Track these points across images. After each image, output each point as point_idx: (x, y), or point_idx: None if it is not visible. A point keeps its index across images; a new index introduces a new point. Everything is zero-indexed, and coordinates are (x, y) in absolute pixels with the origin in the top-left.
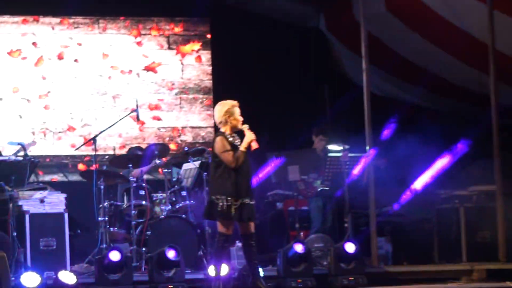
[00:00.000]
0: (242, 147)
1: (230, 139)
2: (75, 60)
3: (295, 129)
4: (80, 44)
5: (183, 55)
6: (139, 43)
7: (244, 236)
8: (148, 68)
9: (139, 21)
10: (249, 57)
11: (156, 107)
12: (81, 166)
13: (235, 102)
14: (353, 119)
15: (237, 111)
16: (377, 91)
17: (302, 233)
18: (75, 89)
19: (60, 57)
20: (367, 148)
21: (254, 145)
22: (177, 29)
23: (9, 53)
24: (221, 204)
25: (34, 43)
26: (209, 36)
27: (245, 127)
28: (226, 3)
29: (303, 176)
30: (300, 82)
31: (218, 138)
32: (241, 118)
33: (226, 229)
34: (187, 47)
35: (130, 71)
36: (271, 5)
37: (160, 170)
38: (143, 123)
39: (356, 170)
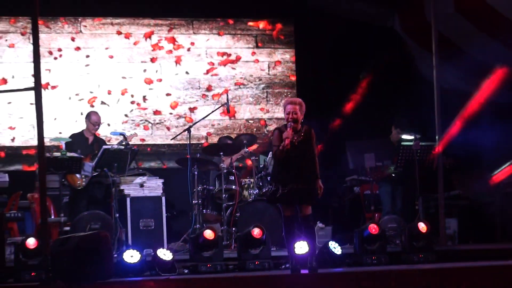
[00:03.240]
0: (281, 146)
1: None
2: (177, 61)
3: (371, 120)
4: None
5: (270, 53)
6: (229, 41)
7: (301, 217)
8: (230, 61)
9: (229, 22)
10: (329, 55)
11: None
12: None
13: (287, 100)
14: (425, 111)
15: (287, 108)
16: (446, 85)
17: (376, 215)
18: (173, 85)
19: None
20: (437, 137)
21: (286, 143)
22: (264, 29)
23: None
24: (269, 190)
25: (135, 43)
26: (293, 35)
27: (289, 125)
28: (308, 5)
29: (378, 163)
30: (375, 77)
31: (275, 132)
32: (289, 115)
33: (285, 211)
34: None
35: (220, 66)
36: (349, 6)
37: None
38: (232, 114)
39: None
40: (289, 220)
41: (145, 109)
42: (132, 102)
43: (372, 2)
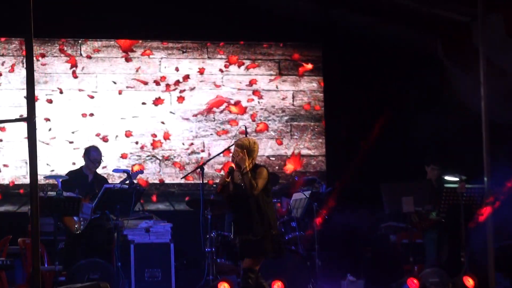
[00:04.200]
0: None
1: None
2: (189, 88)
3: (408, 159)
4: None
5: (294, 81)
6: (248, 67)
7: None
8: (256, 93)
9: (249, 45)
10: (361, 83)
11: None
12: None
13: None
14: (470, 148)
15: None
16: (496, 118)
17: (416, 267)
18: (184, 117)
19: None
20: (485, 179)
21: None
22: (288, 55)
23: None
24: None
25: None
26: (320, 61)
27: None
28: (338, 28)
29: (417, 207)
30: (413, 108)
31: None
32: (233, 158)
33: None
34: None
35: (239, 100)
36: (383, 31)
37: None
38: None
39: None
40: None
41: (154, 143)
42: (140, 135)
43: (410, 27)
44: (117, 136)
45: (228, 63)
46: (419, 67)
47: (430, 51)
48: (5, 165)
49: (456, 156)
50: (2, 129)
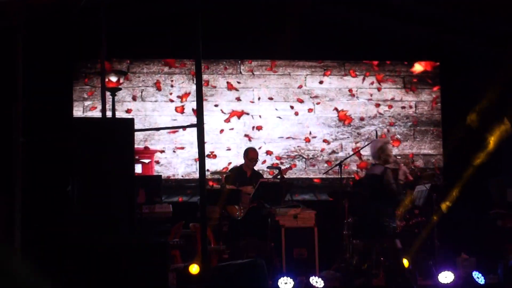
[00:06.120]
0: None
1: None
2: (331, 99)
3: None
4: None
5: (417, 93)
6: (378, 82)
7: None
8: (380, 101)
9: (379, 64)
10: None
11: (392, 138)
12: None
13: (386, 139)
14: None
15: (389, 147)
16: None
17: None
18: (326, 123)
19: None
20: None
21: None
22: (411, 71)
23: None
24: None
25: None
26: (438, 76)
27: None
28: (455, 48)
29: None
30: None
31: (388, 170)
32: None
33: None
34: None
35: (371, 106)
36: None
37: None
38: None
39: None
40: None
41: (301, 145)
42: (288, 138)
43: None
44: (269, 140)
45: (360, 79)
46: None
47: None
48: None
49: None
50: (173, 132)
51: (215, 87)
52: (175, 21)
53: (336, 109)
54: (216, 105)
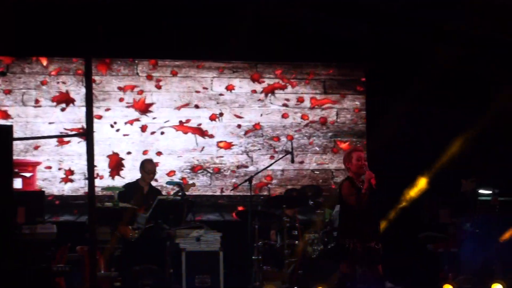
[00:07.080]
0: (363, 189)
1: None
2: (239, 106)
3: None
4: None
5: (338, 99)
6: (293, 86)
7: (375, 279)
8: (296, 107)
9: (295, 66)
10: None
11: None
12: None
13: (353, 148)
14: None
15: (355, 156)
16: None
17: (450, 275)
18: (234, 132)
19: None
20: None
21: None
22: (332, 74)
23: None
24: (347, 246)
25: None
26: (363, 81)
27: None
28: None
29: (454, 218)
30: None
31: (345, 183)
32: (360, 163)
33: (344, 269)
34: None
35: (286, 114)
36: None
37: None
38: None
39: None
40: (347, 278)
41: (206, 158)
42: (192, 150)
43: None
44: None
45: (274, 82)
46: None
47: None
48: (64, 179)
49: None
50: (65, 142)
51: (107, 90)
52: (63, 14)
53: (246, 116)
54: (107, 109)
